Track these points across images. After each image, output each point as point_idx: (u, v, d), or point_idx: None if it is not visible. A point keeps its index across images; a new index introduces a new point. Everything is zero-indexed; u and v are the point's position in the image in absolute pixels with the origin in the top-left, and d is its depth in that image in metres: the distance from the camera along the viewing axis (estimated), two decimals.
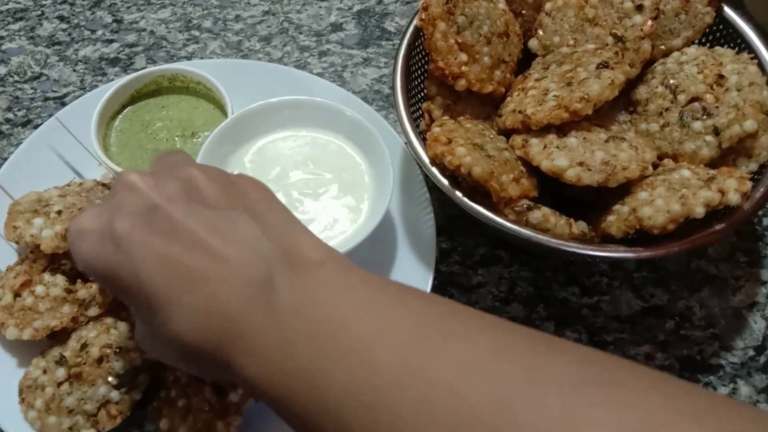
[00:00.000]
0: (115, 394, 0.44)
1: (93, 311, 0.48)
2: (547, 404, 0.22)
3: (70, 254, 0.36)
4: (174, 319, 0.29)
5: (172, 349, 0.31)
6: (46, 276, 0.48)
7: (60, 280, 0.48)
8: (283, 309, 0.28)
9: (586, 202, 0.48)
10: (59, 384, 0.45)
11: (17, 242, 0.47)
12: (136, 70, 0.64)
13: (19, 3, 0.73)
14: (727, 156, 0.49)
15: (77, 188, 0.53)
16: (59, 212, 0.48)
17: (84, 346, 0.46)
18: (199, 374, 0.36)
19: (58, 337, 0.48)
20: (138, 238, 0.30)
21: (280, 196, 0.51)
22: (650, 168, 0.46)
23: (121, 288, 0.32)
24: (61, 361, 0.46)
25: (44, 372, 0.46)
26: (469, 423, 0.22)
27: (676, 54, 0.52)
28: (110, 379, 0.45)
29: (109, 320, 0.48)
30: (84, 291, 0.48)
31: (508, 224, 0.45)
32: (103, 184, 0.55)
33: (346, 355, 0.25)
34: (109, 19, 0.72)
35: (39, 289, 0.48)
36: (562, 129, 0.47)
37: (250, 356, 0.28)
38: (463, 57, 0.49)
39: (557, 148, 0.46)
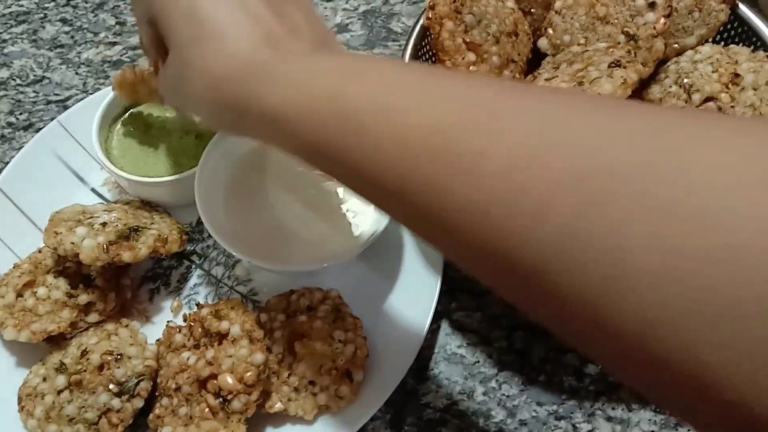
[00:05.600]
0: (116, 402, 0.43)
1: (93, 317, 0.47)
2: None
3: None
4: (212, 52, 0.33)
5: (199, 88, 0.34)
6: (50, 278, 0.48)
7: (62, 283, 0.48)
8: (314, 54, 0.33)
9: None
10: (59, 392, 0.44)
11: (56, 249, 0.46)
12: None
13: (21, 6, 0.73)
14: None
15: (124, 205, 0.53)
16: (104, 224, 0.47)
17: (84, 352, 0.45)
18: (216, 124, 0.39)
19: (56, 341, 0.47)
20: None
21: (296, 193, 0.51)
22: None
23: (174, 16, 0.35)
24: (61, 369, 0.45)
25: (44, 380, 0.45)
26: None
27: (690, 52, 0.50)
28: (111, 386, 0.44)
29: (109, 326, 0.48)
30: (85, 296, 0.47)
31: None
32: (149, 204, 0.54)
33: (367, 74, 0.29)
34: (111, 21, 0.72)
35: (41, 291, 0.47)
36: None
37: (274, 83, 0.31)
38: (471, 57, 0.48)
39: None
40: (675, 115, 0.22)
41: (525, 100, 0.25)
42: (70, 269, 0.48)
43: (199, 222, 0.54)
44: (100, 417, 0.43)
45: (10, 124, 0.63)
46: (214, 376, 0.43)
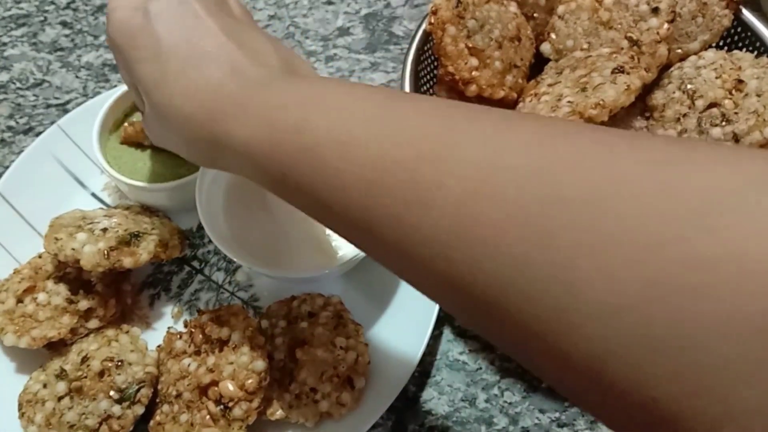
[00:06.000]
0: (116, 409, 0.43)
1: (93, 323, 0.47)
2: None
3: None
4: (177, 91, 0.33)
5: (174, 127, 0.34)
6: (50, 284, 0.48)
7: (63, 289, 0.47)
8: (278, 86, 0.32)
9: None
10: (60, 398, 0.44)
11: (56, 255, 0.46)
12: None
13: (21, 9, 0.73)
14: None
15: (124, 210, 0.53)
16: (104, 230, 0.47)
17: (85, 359, 0.45)
18: (198, 161, 0.39)
19: (57, 347, 0.47)
20: (167, 15, 0.35)
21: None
22: None
23: (139, 56, 0.35)
24: (61, 375, 0.44)
25: (44, 386, 0.44)
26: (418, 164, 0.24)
27: (693, 58, 0.50)
28: (112, 393, 0.43)
29: (110, 333, 0.47)
30: (85, 302, 0.47)
31: None
32: (149, 209, 0.54)
33: (329, 105, 0.29)
34: None
35: (41, 297, 0.47)
36: None
37: (240, 117, 0.31)
38: (474, 62, 0.48)
39: None
40: (627, 142, 0.22)
41: (480, 126, 0.25)
42: (71, 275, 0.48)
43: (200, 227, 0.53)
44: (100, 424, 0.43)
45: (9, 128, 0.63)
46: (215, 383, 0.43)
